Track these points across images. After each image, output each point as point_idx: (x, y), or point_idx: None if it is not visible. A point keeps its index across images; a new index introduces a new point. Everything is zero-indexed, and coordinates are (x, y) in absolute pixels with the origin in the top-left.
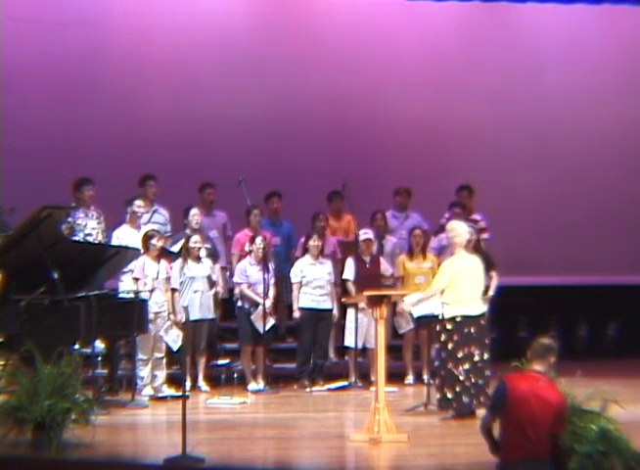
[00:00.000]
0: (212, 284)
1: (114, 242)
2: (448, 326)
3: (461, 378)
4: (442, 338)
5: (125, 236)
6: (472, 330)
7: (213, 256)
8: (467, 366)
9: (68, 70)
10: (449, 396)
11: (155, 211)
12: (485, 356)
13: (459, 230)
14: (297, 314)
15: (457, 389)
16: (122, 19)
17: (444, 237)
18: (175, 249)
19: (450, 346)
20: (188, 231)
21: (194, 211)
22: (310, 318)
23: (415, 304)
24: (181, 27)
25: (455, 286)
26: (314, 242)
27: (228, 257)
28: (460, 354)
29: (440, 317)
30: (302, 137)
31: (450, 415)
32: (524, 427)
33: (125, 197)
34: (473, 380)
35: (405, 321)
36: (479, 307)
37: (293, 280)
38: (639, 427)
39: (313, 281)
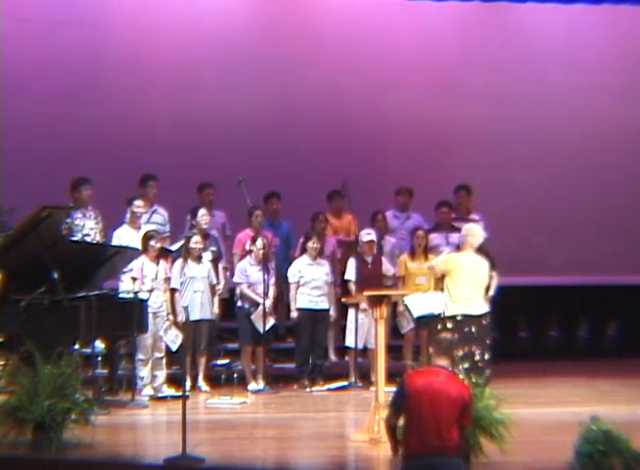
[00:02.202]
0: (212, 286)
1: (115, 242)
2: (449, 325)
3: (460, 377)
4: None
5: (126, 236)
6: (472, 329)
7: (217, 258)
8: (466, 365)
9: (67, 70)
10: None
11: (154, 212)
12: (486, 356)
13: (475, 232)
14: (294, 315)
15: None
16: (122, 19)
17: (435, 237)
18: (174, 247)
19: None
20: (195, 231)
21: (202, 212)
22: (308, 319)
23: (417, 304)
24: (181, 28)
25: (457, 284)
26: (313, 244)
27: (228, 256)
28: (460, 353)
29: (442, 315)
30: (302, 137)
31: None
32: (424, 421)
33: (126, 197)
34: (472, 379)
35: (406, 321)
36: (480, 307)
37: (290, 280)
38: (639, 427)
39: (311, 281)
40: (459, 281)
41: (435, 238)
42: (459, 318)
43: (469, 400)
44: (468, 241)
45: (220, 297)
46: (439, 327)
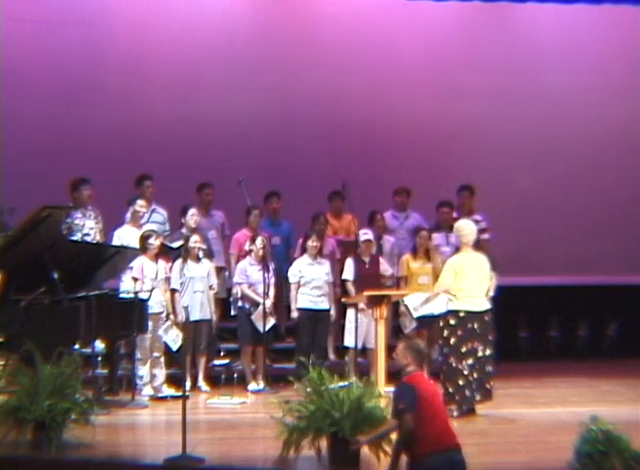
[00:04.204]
0: (210, 286)
1: (115, 241)
2: (452, 321)
3: (465, 372)
4: (445, 334)
5: (126, 235)
6: (475, 326)
7: (208, 256)
8: (470, 361)
9: (68, 69)
10: (451, 390)
11: (153, 211)
12: (488, 352)
13: (466, 230)
14: (294, 314)
15: (460, 382)
16: (122, 18)
17: (435, 237)
18: (175, 245)
19: (453, 341)
20: (184, 231)
21: (192, 212)
22: (308, 319)
23: (418, 306)
24: (181, 27)
25: (460, 282)
26: (313, 242)
27: (226, 256)
28: (464, 349)
29: (445, 311)
30: (302, 137)
31: (452, 414)
32: (436, 419)
33: (128, 197)
34: (475, 375)
35: (409, 321)
36: (482, 304)
37: (290, 280)
38: (639, 427)
39: (311, 281)
40: (461, 280)
41: (436, 238)
42: (462, 315)
43: None
44: (462, 240)
45: (215, 296)
46: (441, 324)
